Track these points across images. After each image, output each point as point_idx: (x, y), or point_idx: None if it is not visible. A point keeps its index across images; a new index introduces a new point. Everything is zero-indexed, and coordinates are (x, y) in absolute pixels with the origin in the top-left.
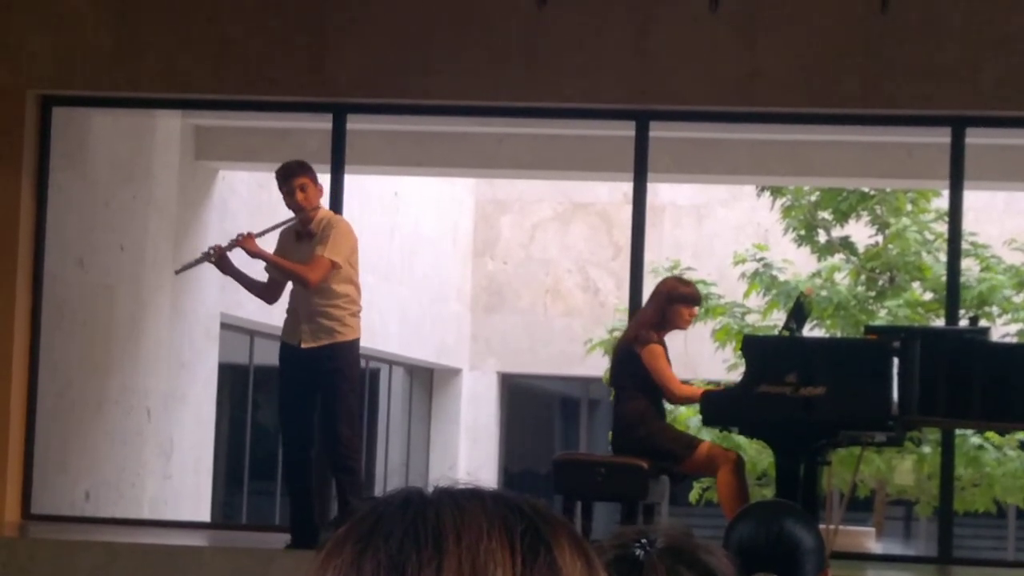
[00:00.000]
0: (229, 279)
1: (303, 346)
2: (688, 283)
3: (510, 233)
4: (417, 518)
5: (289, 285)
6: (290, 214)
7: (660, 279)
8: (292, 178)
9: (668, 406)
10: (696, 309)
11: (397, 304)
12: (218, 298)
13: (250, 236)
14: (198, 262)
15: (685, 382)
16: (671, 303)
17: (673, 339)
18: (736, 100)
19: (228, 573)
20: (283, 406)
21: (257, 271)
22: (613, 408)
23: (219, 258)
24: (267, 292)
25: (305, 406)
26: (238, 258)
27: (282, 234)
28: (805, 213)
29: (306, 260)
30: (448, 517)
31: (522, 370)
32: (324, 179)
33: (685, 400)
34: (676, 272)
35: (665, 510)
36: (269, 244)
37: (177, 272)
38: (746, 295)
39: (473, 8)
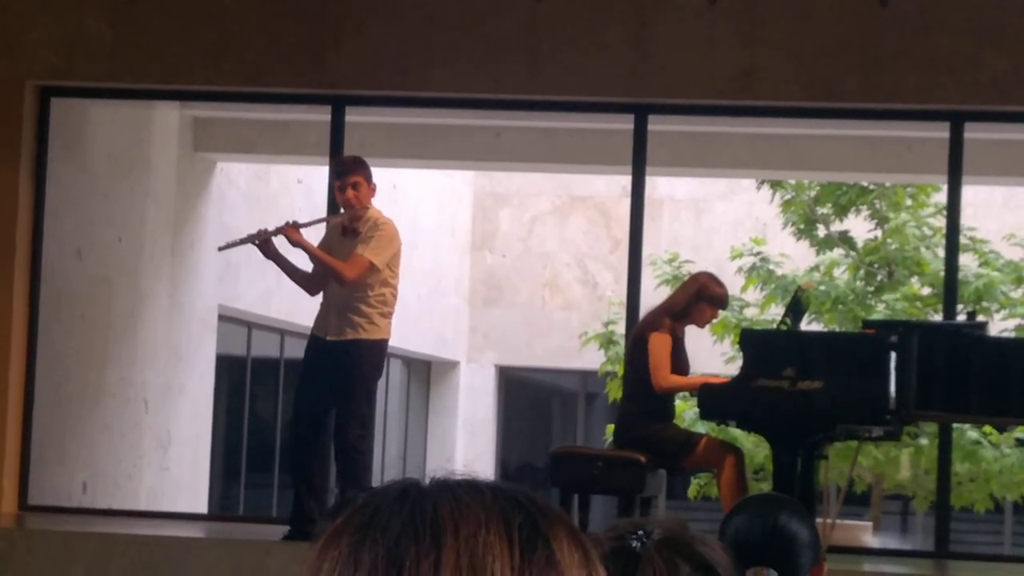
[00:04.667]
0: (228, 269)
1: (328, 338)
2: (722, 285)
3: (508, 226)
4: (415, 510)
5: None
6: (340, 208)
7: (658, 271)
8: (346, 175)
9: (677, 401)
10: (718, 312)
11: None
12: (216, 290)
13: (295, 225)
14: (242, 242)
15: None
16: (700, 300)
17: None
18: (735, 94)
19: (225, 565)
20: (300, 396)
21: (302, 261)
22: (620, 400)
23: (263, 242)
24: (309, 283)
25: (321, 399)
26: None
27: (330, 227)
28: (804, 207)
29: (348, 257)
30: (446, 509)
31: (520, 363)
32: (322, 172)
33: (668, 390)
34: (675, 265)
35: (662, 504)
36: (316, 233)
37: (220, 249)
38: (743, 289)
39: (472, 1)
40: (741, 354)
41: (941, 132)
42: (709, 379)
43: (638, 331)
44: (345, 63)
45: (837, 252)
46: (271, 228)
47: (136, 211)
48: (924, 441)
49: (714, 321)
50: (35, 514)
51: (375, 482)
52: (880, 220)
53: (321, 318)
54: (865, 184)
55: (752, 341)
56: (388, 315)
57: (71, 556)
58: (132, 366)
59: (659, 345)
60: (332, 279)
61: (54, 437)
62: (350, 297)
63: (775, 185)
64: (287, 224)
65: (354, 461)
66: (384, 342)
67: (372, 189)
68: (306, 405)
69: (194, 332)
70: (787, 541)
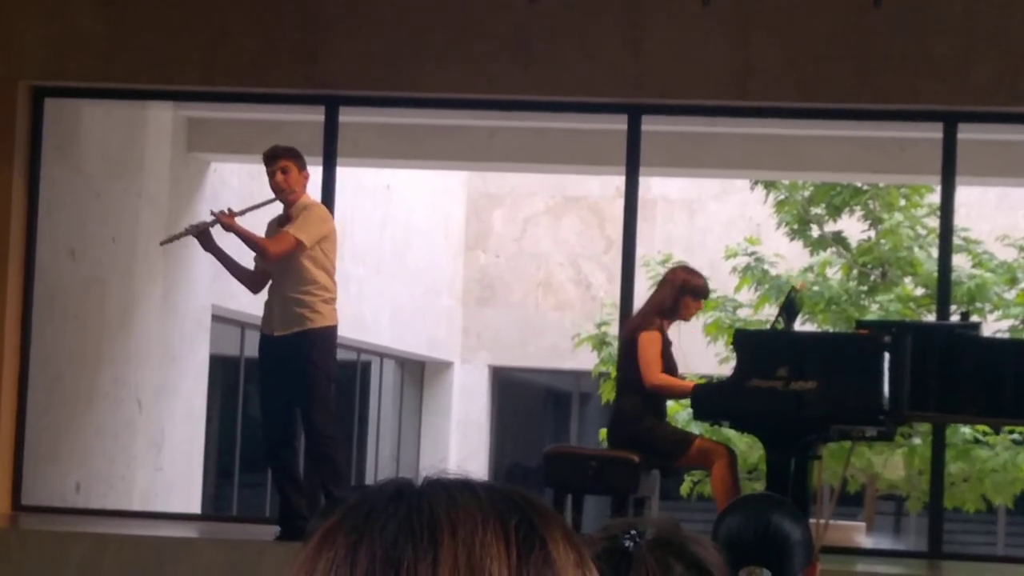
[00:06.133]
0: (222, 269)
1: (276, 334)
2: (699, 275)
3: (502, 227)
4: (411, 510)
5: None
6: (272, 195)
7: (651, 272)
8: (275, 160)
9: (670, 402)
10: (702, 303)
11: (389, 297)
12: (209, 290)
13: (230, 213)
14: (182, 235)
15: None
16: (685, 294)
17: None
18: (729, 94)
19: (218, 565)
20: (263, 397)
21: (247, 260)
22: (614, 400)
23: (202, 234)
24: (251, 280)
25: (285, 396)
26: (231, 245)
27: (269, 223)
28: (798, 207)
29: None
30: (442, 509)
31: (513, 363)
32: (316, 171)
33: (658, 388)
34: (668, 266)
35: (656, 503)
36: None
37: (162, 243)
38: (737, 289)
39: (466, 1)
40: (734, 354)
41: (934, 133)
42: (697, 383)
43: (629, 331)
44: (338, 63)
45: (831, 252)
46: (208, 219)
47: (129, 211)
48: (917, 441)
49: (710, 323)
50: (28, 514)
51: (368, 482)
52: (874, 220)
53: (266, 315)
54: (859, 184)
55: (746, 341)
56: (330, 301)
57: (64, 556)
58: (126, 366)
59: (649, 343)
60: (258, 257)
61: (47, 437)
62: (289, 290)
63: (769, 185)
64: (222, 212)
65: (329, 449)
66: (332, 328)
67: (304, 177)
68: (273, 406)
69: (188, 332)
70: (780, 541)
